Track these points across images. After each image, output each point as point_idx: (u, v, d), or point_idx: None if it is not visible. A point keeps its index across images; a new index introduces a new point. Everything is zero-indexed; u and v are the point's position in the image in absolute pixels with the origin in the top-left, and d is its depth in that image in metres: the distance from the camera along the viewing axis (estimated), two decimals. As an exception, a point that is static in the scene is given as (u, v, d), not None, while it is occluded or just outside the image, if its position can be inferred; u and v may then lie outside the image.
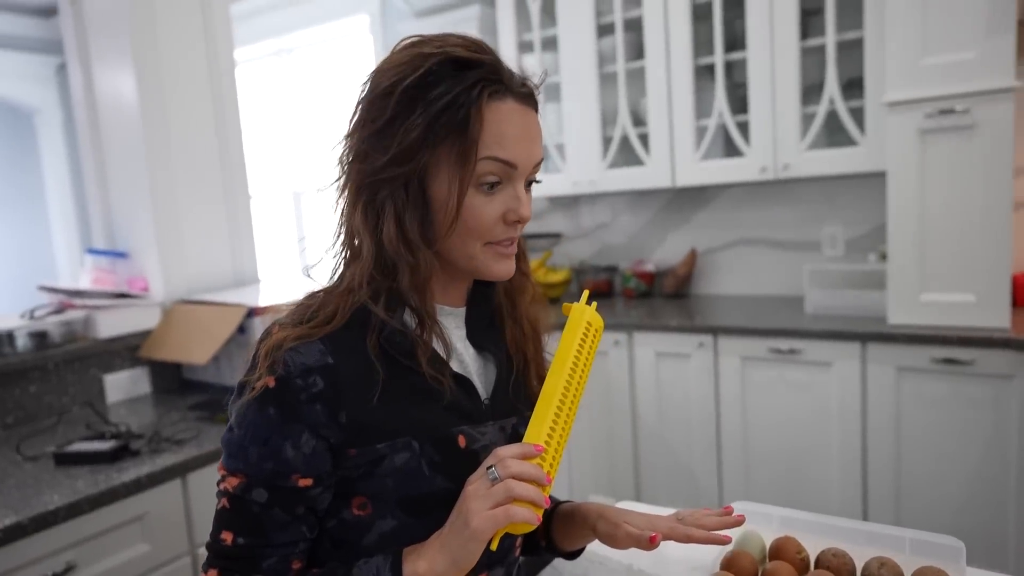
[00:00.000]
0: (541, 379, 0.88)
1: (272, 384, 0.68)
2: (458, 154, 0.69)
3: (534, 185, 0.78)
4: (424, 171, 0.71)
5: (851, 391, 2.13)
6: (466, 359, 0.80)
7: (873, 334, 2.07)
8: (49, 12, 4.38)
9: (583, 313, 0.78)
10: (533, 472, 0.67)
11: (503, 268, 0.77)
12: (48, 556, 1.25)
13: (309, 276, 0.78)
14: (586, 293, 0.85)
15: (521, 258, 0.84)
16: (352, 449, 0.71)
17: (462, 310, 0.82)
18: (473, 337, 0.82)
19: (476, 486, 0.68)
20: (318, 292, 0.76)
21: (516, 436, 0.81)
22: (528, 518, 0.66)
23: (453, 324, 0.81)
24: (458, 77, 0.70)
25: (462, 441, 0.75)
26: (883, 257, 2.36)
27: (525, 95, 0.74)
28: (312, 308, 0.73)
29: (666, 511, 1.19)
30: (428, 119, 0.68)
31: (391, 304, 0.73)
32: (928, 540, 0.88)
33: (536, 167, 0.76)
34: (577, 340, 0.77)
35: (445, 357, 0.76)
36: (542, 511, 0.67)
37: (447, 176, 0.70)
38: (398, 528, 0.73)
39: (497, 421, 0.80)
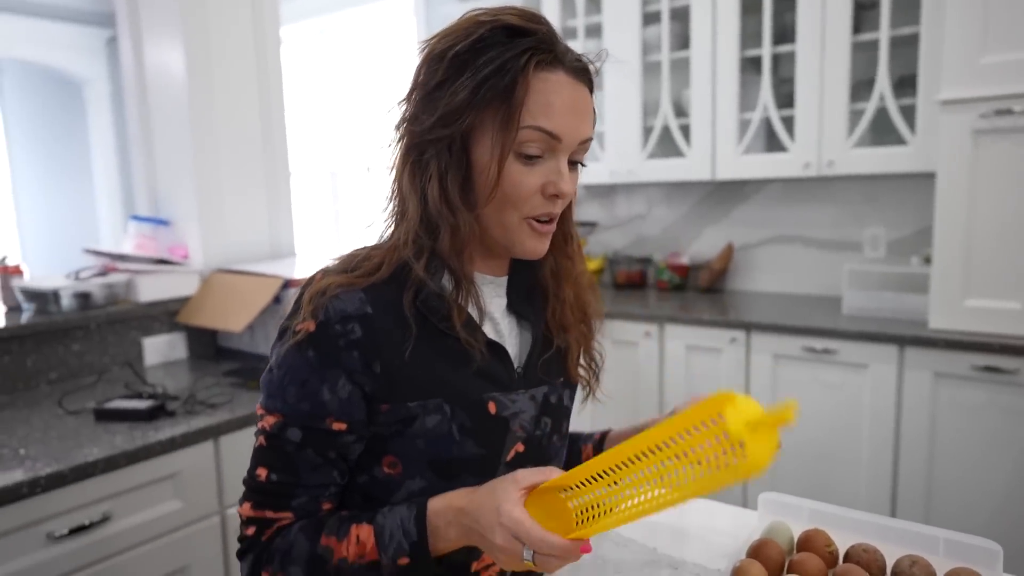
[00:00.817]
0: (588, 363, 0.89)
1: (312, 328, 0.70)
2: (502, 120, 0.70)
3: (580, 168, 0.78)
4: (468, 134, 0.71)
5: (886, 394, 2.09)
6: (502, 327, 0.81)
7: (912, 338, 2.03)
8: (102, -15, 4.47)
9: (717, 406, 0.53)
10: (564, 563, 0.66)
11: (536, 246, 0.76)
12: (86, 505, 1.29)
13: (365, 234, 0.80)
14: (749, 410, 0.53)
15: (568, 241, 0.84)
16: (385, 404, 0.72)
17: (503, 279, 0.83)
18: (512, 306, 0.82)
19: (510, 548, 0.64)
20: (365, 247, 0.77)
21: (547, 404, 0.82)
22: None
23: (493, 292, 0.81)
24: (508, 44, 0.70)
25: (492, 408, 0.76)
26: (927, 260, 2.30)
27: (579, 70, 0.74)
28: (358, 259, 0.75)
29: (692, 500, 1.19)
30: (475, 83, 0.69)
31: (431, 266, 0.73)
32: (963, 541, 0.86)
33: (584, 145, 0.75)
34: (679, 428, 0.56)
35: (479, 322, 0.77)
36: None
37: (490, 141, 0.71)
38: (427, 488, 0.74)
39: (528, 390, 0.80)
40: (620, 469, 0.62)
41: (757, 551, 0.87)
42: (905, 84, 2.29)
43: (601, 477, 0.63)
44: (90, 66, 4.70)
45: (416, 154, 0.73)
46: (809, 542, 0.89)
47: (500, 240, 0.76)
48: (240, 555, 0.75)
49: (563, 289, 0.84)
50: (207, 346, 2.14)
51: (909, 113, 2.24)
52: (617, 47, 2.78)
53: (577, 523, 0.65)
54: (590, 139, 0.75)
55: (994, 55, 1.88)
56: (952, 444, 2.01)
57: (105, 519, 1.31)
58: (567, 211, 0.83)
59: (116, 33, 2.32)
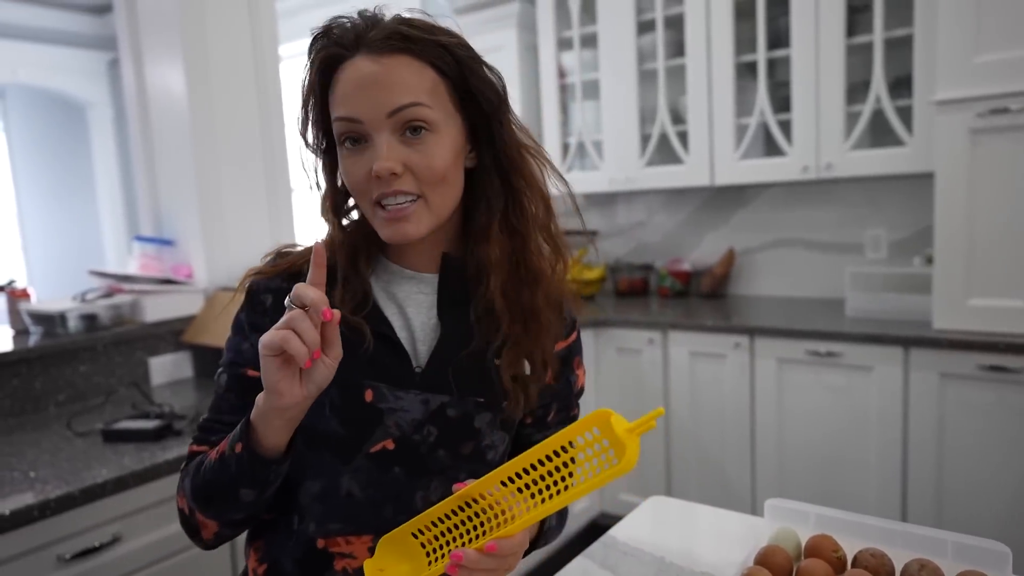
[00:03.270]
0: (534, 371, 0.82)
1: (243, 298, 0.83)
2: (311, 124, 0.79)
3: (434, 135, 0.73)
4: (320, 145, 0.81)
5: (892, 396, 2.09)
6: (415, 325, 0.81)
7: (917, 338, 2.03)
8: (102, 9, 4.52)
9: (593, 420, 0.61)
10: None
11: (389, 231, 0.75)
12: (96, 527, 1.30)
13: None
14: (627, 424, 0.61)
15: (490, 224, 0.80)
16: None
17: (431, 277, 0.82)
18: (441, 307, 0.81)
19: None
20: (293, 245, 0.88)
21: (441, 415, 0.79)
22: (294, 349, 0.64)
23: (414, 288, 0.82)
24: (309, 53, 0.77)
25: (368, 395, 0.77)
26: (929, 260, 2.30)
27: (377, 42, 0.72)
28: (282, 253, 0.86)
29: (699, 507, 1.19)
30: (300, 103, 0.79)
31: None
32: (972, 544, 0.86)
33: (404, 112, 0.71)
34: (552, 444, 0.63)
35: (380, 312, 0.80)
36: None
37: (311, 145, 0.81)
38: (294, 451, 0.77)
39: (423, 393, 0.78)
40: (479, 500, 0.67)
41: (764, 558, 0.87)
42: (901, 85, 2.30)
43: (460, 511, 0.68)
44: (92, 89, 4.75)
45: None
46: (816, 548, 0.89)
47: (376, 231, 0.78)
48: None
49: (488, 279, 0.79)
50: (212, 364, 2.13)
51: (906, 114, 2.25)
52: (612, 56, 2.80)
53: (430, 561, 0.70)
54: (409, 105, 0.71)
55: (988, 54, 1.89)
56: (961, 445, 2.00)
57: (115, 540, 1.32)
58: (491, 189, 0.80)
59: (118, 56, 2.34)
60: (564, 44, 2.98)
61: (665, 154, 2.80)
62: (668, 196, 3.06)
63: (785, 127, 2.48)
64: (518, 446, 0.88)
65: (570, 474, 0.63)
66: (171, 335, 2.06)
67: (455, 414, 0.79)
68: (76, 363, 1.86)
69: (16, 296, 1.98)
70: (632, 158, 2.82)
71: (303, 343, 0.64)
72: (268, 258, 0.85)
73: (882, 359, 2.09)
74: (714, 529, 1.13)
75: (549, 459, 0.63)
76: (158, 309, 2.04)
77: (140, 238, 2.23)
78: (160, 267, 2.17)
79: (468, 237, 0.82)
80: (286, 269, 0.82)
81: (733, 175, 2.59)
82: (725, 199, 2.92)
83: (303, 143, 0.81)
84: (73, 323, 1.89)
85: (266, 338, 0.65)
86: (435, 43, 0.74)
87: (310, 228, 4.26)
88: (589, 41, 2.93)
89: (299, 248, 0.86)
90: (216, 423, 0.82)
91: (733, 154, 2.58)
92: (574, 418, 0.93)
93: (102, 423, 1.59)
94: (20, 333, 1.94)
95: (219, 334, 2.00)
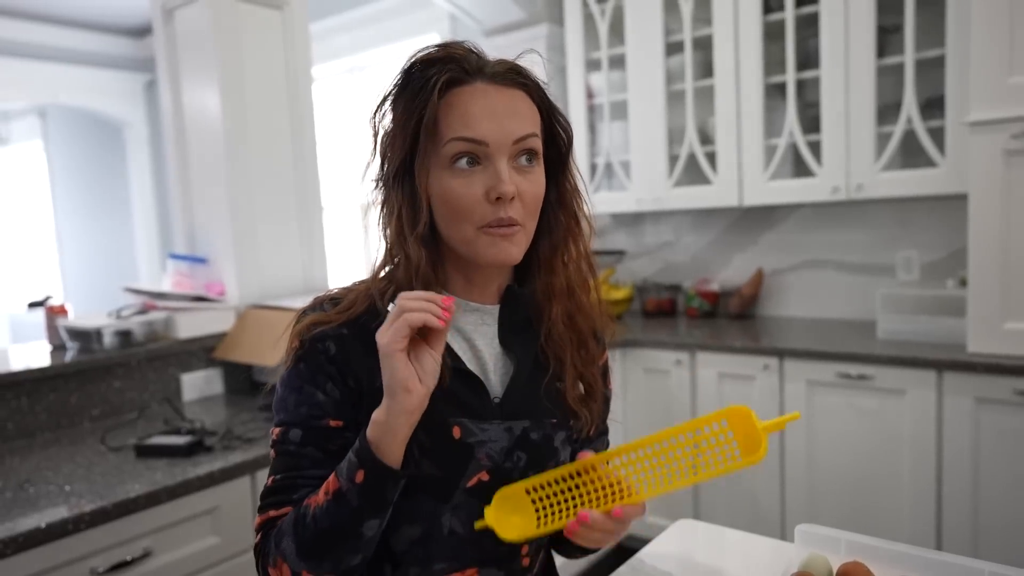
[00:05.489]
0: (588, 392, 0.87)
1: (297, 346, 0.79)
2: (426, 144, 0.75)
3: (534, 167, 0.78)
4: (413, 168, 0.77)
5: (925, 421, 2.04)
6: (485, 357, 0.82)
7: (950, 362, 1.99)
8: (141, 33, 4.66)
9: (724, 414, 0.70)
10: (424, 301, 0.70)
11: (498, 252, 0.76)
12: (128, 541, 1.32)
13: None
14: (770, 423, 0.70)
15: (555, 253, 0.83)
16: (360, 418, 0.77)
17: (492, 308, 0.84)
18: (503, 337, 0.83)
19: (391, 329, 0.69)
20: (346, 286, 0.84)
21: (525, 440, 0.82)
22: (420, 319, 0.68)
23: (479, 320, 0.83)
24: (421, 76, 0.76)
25: (456, 432, 0.78)
26: (963, 283, 2.26)
27: (499, 74, 0.77)
28: (338, 295, 0.82)
29: (728, 531, 1.17)
30: (403, 118, 0.76)
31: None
32: (1009, 575, 0.84)
33: (523, 142, 0.76)
34: (674, 432, 0.71)
35: (454, 348, 0.79)
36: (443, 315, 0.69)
37: (426, 167, 0.76)
38: None
39: (505, 421, 0.81)
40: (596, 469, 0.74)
41: (796, 586, 0.85)
42: (933, 106, 2.28)
43: (572, 478, 0.75)
44: (130, 109, 4.89)
45: (383, 196, 0.80)
46: (848, 575, 0.87)
47: (467, 256, 0.78)
48: (256, 565, 0.79)
49: (552, 307, 0.83)
50: (243, 381, 2.17)
51: (938, 135, 2.22)
52: (640, 77, 2.81)
53: (539, 518, 0.76)
54: (530, 135, 0.77)
55: (1022, 75, 1.86)
56: (997, 471, 1.95)
57: (146, 555, 1.34)
58: (555, 223, 0.84)
59: (155, 77, 2.41)
60: (592, 65, 3.00)
61: (693, 175, 2.80)
62: (696, 216, 3.05)
63: (815, 148, 2.47)
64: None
65: (692, 461, 0.70)
66: (203, 352, 2.10)
67: (538, 437, 0.83)
68: (111, 378, 1.90)
69: (54, 312, 2.03)
70: (660, 178, 2.82)
71: (427, 312, 0.68)
72: (318, 306, 0.81)
73: (915, 383, 2.05)
74: (743, 554, 1.11)
75: (670, 444, 0.71)
76: (191, 326, 2.08)
77: (174, 256, 2.28)
78: (193, 284, 2.21)
79: (532, 267, 0.84)
80: (345, 317, 0.79)
81: (762, 196, 2.58)
82: (754, 220, 2.90)
83: (392, 162, 0.78)
84: (108, 339, 1.93)
85: (390, 334, 0.68)
86: (538, 85, 0.80)
87: (340, 247, 4.32)
88: (617, 62, 2.94)
89: (339, 290, 0.83)
90: (297, 479, 0.76)
91: (762, 175, 2.56)
92: (607, 429, 0.97)
93: (135, 438, 1.62)
94: (57, 348, 1.99)
95: (250, 351, 2.03)
